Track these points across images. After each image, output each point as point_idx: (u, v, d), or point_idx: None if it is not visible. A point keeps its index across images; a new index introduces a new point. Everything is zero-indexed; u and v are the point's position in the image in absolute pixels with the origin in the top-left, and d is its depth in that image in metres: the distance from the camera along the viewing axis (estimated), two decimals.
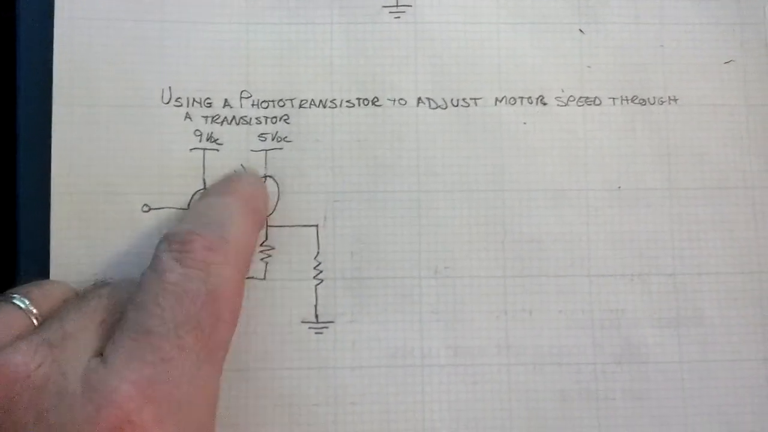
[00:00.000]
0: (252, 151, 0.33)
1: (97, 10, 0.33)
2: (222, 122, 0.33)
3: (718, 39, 0.35)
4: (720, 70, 0.35)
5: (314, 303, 0.33)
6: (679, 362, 0.33)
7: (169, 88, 0.33)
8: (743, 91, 0.35)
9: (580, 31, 0.34)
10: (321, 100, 0.34)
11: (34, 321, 0.28)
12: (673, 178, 0.34)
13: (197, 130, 0.33)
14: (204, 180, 0.33)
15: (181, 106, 0.33)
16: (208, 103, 0.33)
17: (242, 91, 0.33)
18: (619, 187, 0.34)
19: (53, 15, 0.33)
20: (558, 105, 0.34)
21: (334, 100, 0.34)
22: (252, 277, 0.33)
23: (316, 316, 0.33)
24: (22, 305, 0.28)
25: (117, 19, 0.33)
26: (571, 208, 0.34)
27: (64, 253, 0.32)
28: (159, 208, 0.33)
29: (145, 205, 0.33)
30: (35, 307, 0.28)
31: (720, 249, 0.34)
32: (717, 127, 0.34)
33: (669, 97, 0.34)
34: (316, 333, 0.33)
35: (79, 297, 0.30)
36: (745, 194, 0.34)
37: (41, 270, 0.32)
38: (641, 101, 0.34)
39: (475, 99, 0.34)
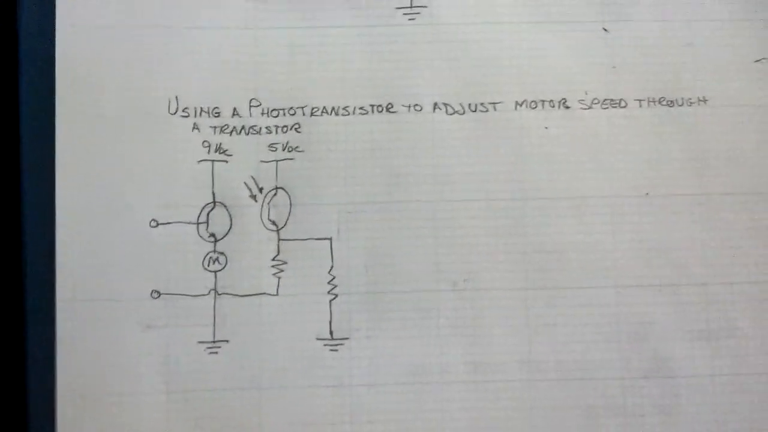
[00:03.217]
0: (262, 161, 0.32)
1: (100, 18, 0.32)
2: (231, 132, 0.32)
3: (748, 36, 0.33)
4: (751, 69, 0.33)
5: (329, 319, 0.32)
6: (711, 376, 0.32)
7: (176, 97, 0.32)
8: None
9: (605, 29, 0.33)
10: (333, 107, 0.32)
11: None
12: (704, 183, 0.32)
13: (205, 141, 0.32)
14: (213, 193, 0.32)
15: (188, 116, 0.32)
16: (216, 113, 0.32)
17: (251, 100, 0.32)
18: (647, 194, 0.32)
19: (54, 24, 0.32)
20: (581, 108, 0.33)
21: (347, 107, 0.32)
22: (264, 293, 0.32)
23: (331, 333, 0.32)
24: None
25: (120, 27, 0.32)
26: (596, 216, 0.32)
27: (70, 270, 0.31)
28: (167, 223, 0.32)
29: (153, 220, 0.32)
30: None
31: (753, 257, 0.32)
32: (749, 129, 0.33)
33: (698, 97, 0.33)
34: (330, 350, 0.32)
35: None
36: None
37: (47, 287, 0.31)
38: (669, 102, 0.33)
39: (494, 103, 0.33)
